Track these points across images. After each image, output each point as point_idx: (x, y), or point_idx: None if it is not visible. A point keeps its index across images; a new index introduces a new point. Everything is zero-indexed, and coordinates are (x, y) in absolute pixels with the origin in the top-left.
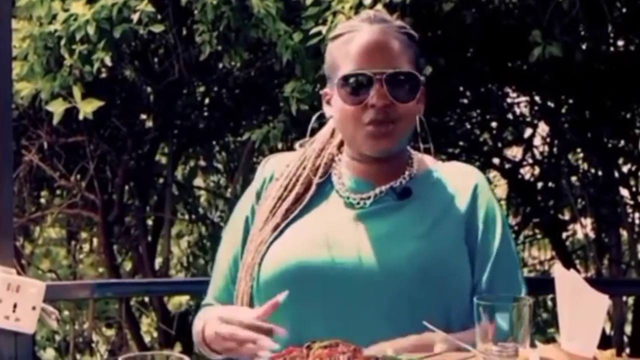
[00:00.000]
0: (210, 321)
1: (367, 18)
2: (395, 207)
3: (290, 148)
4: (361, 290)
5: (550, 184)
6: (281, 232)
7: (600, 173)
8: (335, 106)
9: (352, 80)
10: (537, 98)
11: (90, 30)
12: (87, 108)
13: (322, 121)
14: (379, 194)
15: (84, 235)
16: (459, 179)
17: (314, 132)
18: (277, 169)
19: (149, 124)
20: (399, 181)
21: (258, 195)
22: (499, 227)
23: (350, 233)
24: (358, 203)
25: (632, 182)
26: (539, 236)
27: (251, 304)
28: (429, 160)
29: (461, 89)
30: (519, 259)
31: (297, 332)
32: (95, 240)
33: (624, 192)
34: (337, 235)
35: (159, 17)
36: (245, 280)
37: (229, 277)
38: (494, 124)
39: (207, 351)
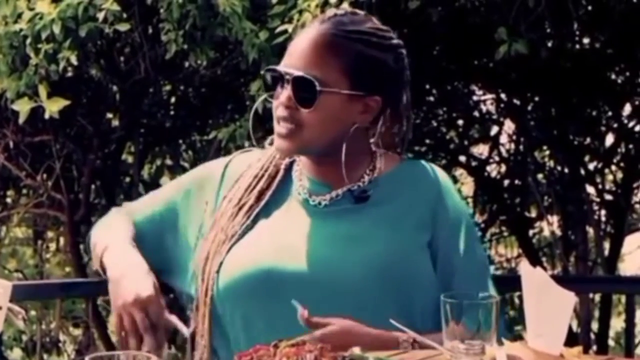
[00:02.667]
0: (119, 248)
1: (322, 16)
2: (352, 210)
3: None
4: (322, 295)
5: (516, 181)
6: (254, 220)
7: (566, 170)
8: None
9: (270, 74)
10: (503, 96)
11: (56, 29)
12: (53, 107)
13: None
14: (334, 197)
15: (50, 234)
16: (423, 181)
17: None
18: (244, 167)
19: (115, 122)
20: (358, 184)
21: (215, 180)
22: (464, 231)
23: (310, 236)
24: (313, 202)
25: (598, 180)
26: (505, 234)
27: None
28: (394, 160)
29: (427, 86)
30: (487, 262)
31: (258, 339)
32: (61, 240)
33: (590, 189)
34: (295, 238)
35: (125, 15)
36: (207, 284)
37: (157, 214)
38: (460, 122)
39: (94, 257)
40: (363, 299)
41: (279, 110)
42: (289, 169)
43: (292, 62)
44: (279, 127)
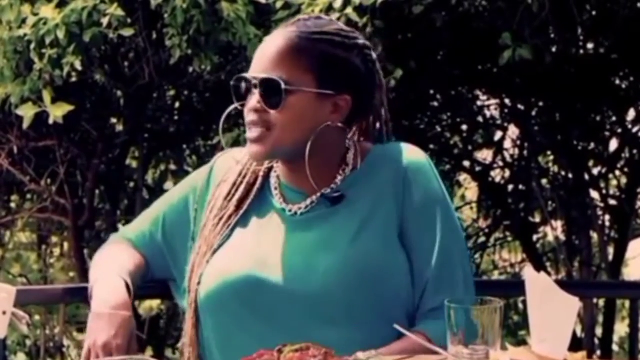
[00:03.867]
0: (112, 282)
1: (287, 22)
2: (326, 214)
3: None
4: (298, 305)
5: (520, 186)
6: (232, 229)
7: (570, 176)
8: None
9: (235, 82)
10: (507, 101)
11: (60, 34)
12: (57, 112)
13: None
14: (310, 205)
15: (54, 239)
16: (391, 165)
17: None
18: (227, 166)
19: (120, 128)
20: (330, 187)
21: (199, 188)
22: (436, 213)
23: (284, 246)
24: (290, 211)
25: (602, 185)
26: (509, 239)
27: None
28: (366, 148)
29: (431, 92)
30: (464, 245)
31: (238, 350)
32: (66, 245)
33: (594, 194)
34: (271, 249)
35: (129, 21)
36: (192, 296)
37: (156, 229)
38: (464, 127)
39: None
40: (339, 306)
41: (249, 115)
42: (267, 175)
43: (258, 67)
44: (250, 133)
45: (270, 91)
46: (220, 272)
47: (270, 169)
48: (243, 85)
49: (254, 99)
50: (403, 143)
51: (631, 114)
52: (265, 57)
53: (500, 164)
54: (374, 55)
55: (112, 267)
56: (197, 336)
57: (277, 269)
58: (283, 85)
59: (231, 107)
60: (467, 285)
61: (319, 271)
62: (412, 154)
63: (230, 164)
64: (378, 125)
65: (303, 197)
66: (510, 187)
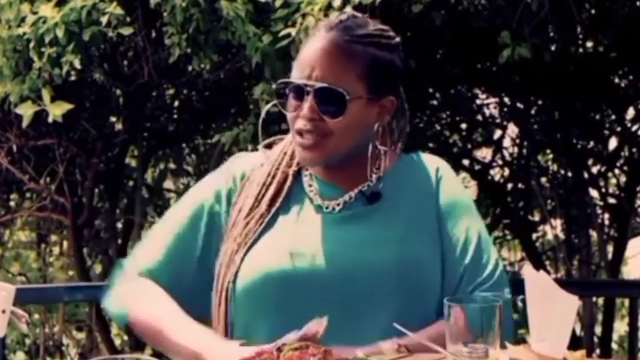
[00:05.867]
0: (173, 327)
1: (327, 24)
2: (366, 212)
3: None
4: (343, 300)
5: (519, 185)
6: (266, 227)
7: (569, 174)
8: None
9: (287, 87)
10: (506, 99)
11: (59, 33)
12: (57, 111)
13: None
14: (348, 200)
15: (53, 238)
16: (423, 172)
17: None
18: (247, 169)
19: (119, 126)
20: (367, 184)
21: (223, 192)
22: (467, 209)
23: (324, 242)
24: (327, 208)
25: (601, 183)
26: (508, 237)
27: (226, 307)
28: (393, 157)
29: (431, 90)
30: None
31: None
32: (65, 243)
33: (594, 193)
34: (310, 244)
35: (128, 19)
36: (227, 272)
37: (172, 253)
38: (463, 126)
39: (149, 340)
40: (379, 303)
41: (299, 123)
42: (297, 173)
43: (310, 74)
44: (303, 139)
45: (329, 101)
46: (262, 267)
47: (301, 167)
48: (292, 90)
49: (307, 107)
50: (426, 153)
51: (630, 113)
52: (317, 63)
53: (500, 162)
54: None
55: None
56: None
57: (318, 264)
58: (347, 96)
59: (269, 105)
60: (501, 271)
61: (361, 268)
62: (439, 160)
63: (253, 164)
64: (406, 117)
65: (340, 194)
66: (510, 185)
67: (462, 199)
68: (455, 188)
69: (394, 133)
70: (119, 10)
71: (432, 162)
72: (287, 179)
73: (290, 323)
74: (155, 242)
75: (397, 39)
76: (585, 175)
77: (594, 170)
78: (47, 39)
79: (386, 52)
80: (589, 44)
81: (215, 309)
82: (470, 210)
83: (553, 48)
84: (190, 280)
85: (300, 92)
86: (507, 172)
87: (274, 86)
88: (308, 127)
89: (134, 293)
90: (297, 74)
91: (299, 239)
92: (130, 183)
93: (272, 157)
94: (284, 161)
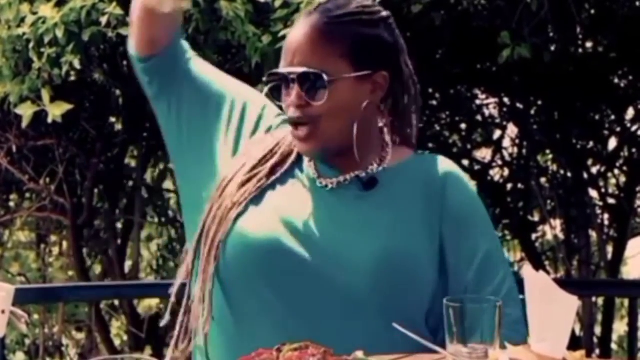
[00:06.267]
0: None
1: (306, 11)
2: (358, 197)
3: None
4: (326, 279)
5: (519, 185)
6: (262, 193)
7: (569, 174)
8: None
9: (272, 79)
10: (506, 100)
11: (59, 33)
12: (56, 111)
13: None
14: (342, 182)
15: (53, 238)
16: (429, 175)
17: None
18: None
19: (118, 127)
20: (366, 172)
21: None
22: (477, 218)
23: (315, 216)
24: (321, 183)
25: (601, 184)
26: (508, 237)
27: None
28: (407, 153)
29: (430, 90)
30: (501, 254)
31: (260, 319)
32: (64, 244)
33: (593, 193)
34: (301, 216)
35: (128, 19)
36: (209, 248)
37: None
38: (463, 126)
39: None
40: (361, 285)
41: (290, 111)
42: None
43: (292, 61)
44: (297, 132)
45: (312, 84)
46: (252, 231)
47: None
48: (277, 79)
49: (294, 94)
50: (440, 155)
51: (630, 113)
52: (298, 49)
53: (499, 162)
54: (394, 23)
55: None
56: (210, 295)
57: (308, 237)
58: (325, 78)
59: (285, 117)
60: (509, 288)
61: (348, 249)
62: (450, 163)
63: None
64: (413, 93)
65: (336, 174)
66: (509, 185)
67: (476, 210)
68: (470, 197)
69: (402, 115)
70: (119, 11)
71: (444, 164)
72: (292, 153)
73: (275, 293)
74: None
75: (383, 14)
76: (585, 175)
77: (594, 170)
78: (46, 40)
79: (369, 28)
80: (589, 44)
81: (204, 259)
82: (483, 223)
83: (553, 48)
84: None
85: (286, 80)
86: (506, 172)
87: (264, 79)
88: (297, 114)
89: None
90: (282, 64)
91: (289, 210)
92: (130, 183)
93: (280, 134)
94: (288, 139)
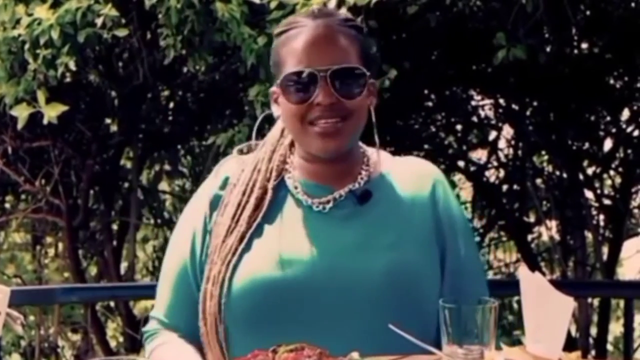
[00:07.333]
0: None
1: (310, 13)
2: (357, 213)
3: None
4: (337, 304)
5: (515, 186)
6: (248, 242)
7: (565, 175)
8: (282, 105)
9: (296, 78)
10: (501, 101)
11: (54, 34)
12: (52, 112)
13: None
14: (338, 198)
15: (49, 240)
16: (418, 178)
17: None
18: (232, 174)
19: (114, 128)
20: (357, 183)
21: (211, 203)
22: (467, 232)
23: (316, 244)
24: (317, 207)
25: (596, 185)
26: (504, 239)
27: (218, 320)
28: (384, 157)
29: (426, 91)
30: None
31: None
32: (60, 245)
33: (589, 194)
34: (301, 247)
35: (123, 21)
36: (213, 295)
37: (180, 293)
38: (458, 127)
39: None
40: (370, 313)
41: (315, 111)
42: (279, 184)
43: (320, 59)
44: (324, 128)
45: (347, 81)
46: (258, 270)
47: (284, 162)
48: (301, 80)
49: (325, 92)
50: (419, 158)
51: (625, 114)
52: (322, 48)
53: (495, 163)
54: None
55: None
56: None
57: (310, 267)
58: (366, 72)
59: (293, 107)
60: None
61: (354, 272)
62: (434, 168)
63: (242, 165)
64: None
65: (327, 192)
66: (505, 187)
67: (462, 216)
68: (455, 203)
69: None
70: (114, 12)
71: (427, 169)
72: (267, 192)
73: (282, 332)
74: (164, 283)
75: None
76: (581, 176)
77: (589, 171)
78: (42, 41)
79: (364, 36)
80: (584, 46)
81: (208, 306)
82: (468, 228)
83: (548, 49)
84: None
85: (312, 80)
86: (502, 173)
87: (271, 88)
88: (330, 113)
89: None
90: (300, 64)
91: (288, 243)
92: (126, 185)
93: (247, 168)
94: (260, 177)
